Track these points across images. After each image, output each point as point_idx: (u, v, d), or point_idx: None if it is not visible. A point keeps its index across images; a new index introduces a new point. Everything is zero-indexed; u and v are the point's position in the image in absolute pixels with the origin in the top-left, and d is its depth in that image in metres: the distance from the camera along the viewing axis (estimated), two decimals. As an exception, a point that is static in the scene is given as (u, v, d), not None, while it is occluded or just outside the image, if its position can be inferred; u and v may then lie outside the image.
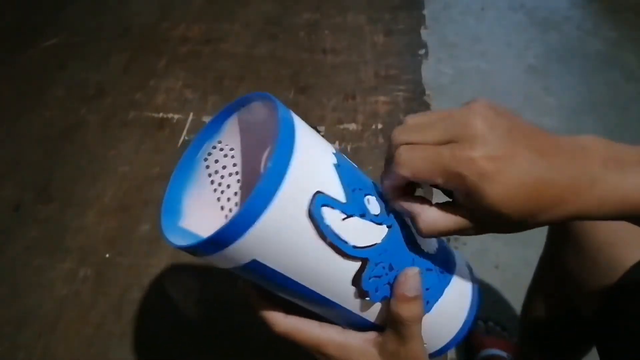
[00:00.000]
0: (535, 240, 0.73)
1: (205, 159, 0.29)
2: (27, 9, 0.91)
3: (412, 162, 0.25)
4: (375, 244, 0.26)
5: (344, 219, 0.25)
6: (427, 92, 0.70)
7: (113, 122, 0.70)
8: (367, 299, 0.27)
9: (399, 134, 0.26)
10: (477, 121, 0.24)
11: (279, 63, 0.77)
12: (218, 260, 0.25)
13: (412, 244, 0.28)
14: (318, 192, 0.24)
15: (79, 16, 0.89)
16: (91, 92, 0.75)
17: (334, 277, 0.26)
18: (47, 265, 0.55)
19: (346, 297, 0.27)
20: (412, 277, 0.27)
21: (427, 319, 0.29)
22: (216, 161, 0.29)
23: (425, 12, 0.84)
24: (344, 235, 0.25)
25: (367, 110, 0.68)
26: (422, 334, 0.28)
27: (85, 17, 0.89)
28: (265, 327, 0.30)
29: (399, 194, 0.27)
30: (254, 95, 0.27)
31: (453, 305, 0.31)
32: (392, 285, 0.27)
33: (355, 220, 0.25)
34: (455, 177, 0.23)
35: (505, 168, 0.23)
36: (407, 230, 0.29)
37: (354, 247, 0.25)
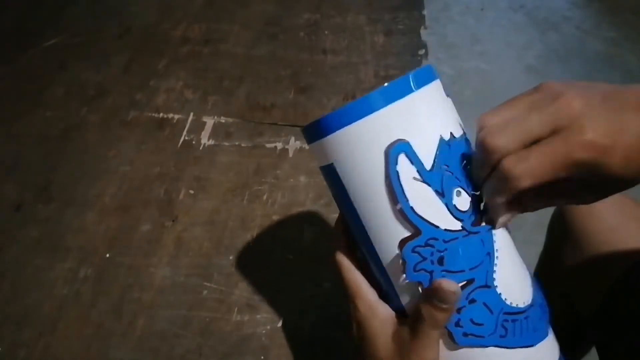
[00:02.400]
0: (535, 240, 0.73)
1: None
2: (27, 10, 0.91)
3: (530, 171, 0.24)
4: (435, 225, 0.26)
5: (415, 179, 0.25)
6: (426, 92, 0.70)
7: (113, 122, 0.70)
8: (403, 275, 0.27)
9: (495, 140, 0.25)
10: (573, 102, 0.24)
11: (279, 63, 0.77)
12: (319, 150, 0.28)
13: (487, 277, 0.26)
14: (405, 140, 0.25)
15: (80, 16, 0.89)
16: (91, 92, 0.75)
17: (385, 227, 0.27)
18: (48, 265, 0.56)
19: (388, 254, 0.27)
20: (449, 293, 0.25)
21: None
22: None
23: (425, 12, 0.84)
24: (408, 193, 0.25)
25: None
26: None
27: (85, 18, 0.89)
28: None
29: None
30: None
31: None
32: (430, 280, 0.26)
33: (428, 190, 0.26)
34: (578, 165, 0.23)
35: (620, 137, 0.23)
36: (490, 268, 0.27)
37: (412, 208, 0.25)
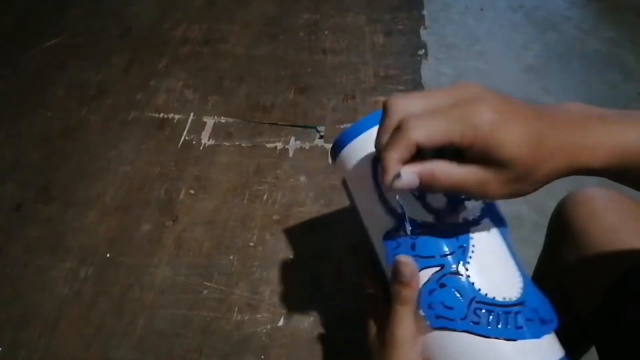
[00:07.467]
0: (535, 240, 0.73)
1: None
2: (28, 10, 0.91)
3: (426, 126, 0.25)
4: (408, 216, 0.29)
5: None
6: (426, 92, 0.71)
7: (114, 122, 0.71)
8: (386, 259, 0.30)
9: (397, 100, 0.27)
10: (477, 87, 0.26)
11: (279, 63, 0.77)
12: (338, 169, 0.34)
13: (458, 265, 0.29)
14: None
15: (80, 17, 0.89)
16: (92, 93, 0.75)
17: (374, 220, 0.31)
18: (48, 265, 0.56)
19: (378, 244, 0.31)
20: (402, 264, 0.28)
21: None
22: None
23: (424, 12, 0.84)
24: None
25: (367, 111, 0.69)
26: None
27: (86, 18, 0.89)
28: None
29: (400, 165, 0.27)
30: None
31: None
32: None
33: None
34: (470, 130, 0.25)
35: (511, 119, 0.25)
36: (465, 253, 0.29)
37: (388, 201, 0.30)
